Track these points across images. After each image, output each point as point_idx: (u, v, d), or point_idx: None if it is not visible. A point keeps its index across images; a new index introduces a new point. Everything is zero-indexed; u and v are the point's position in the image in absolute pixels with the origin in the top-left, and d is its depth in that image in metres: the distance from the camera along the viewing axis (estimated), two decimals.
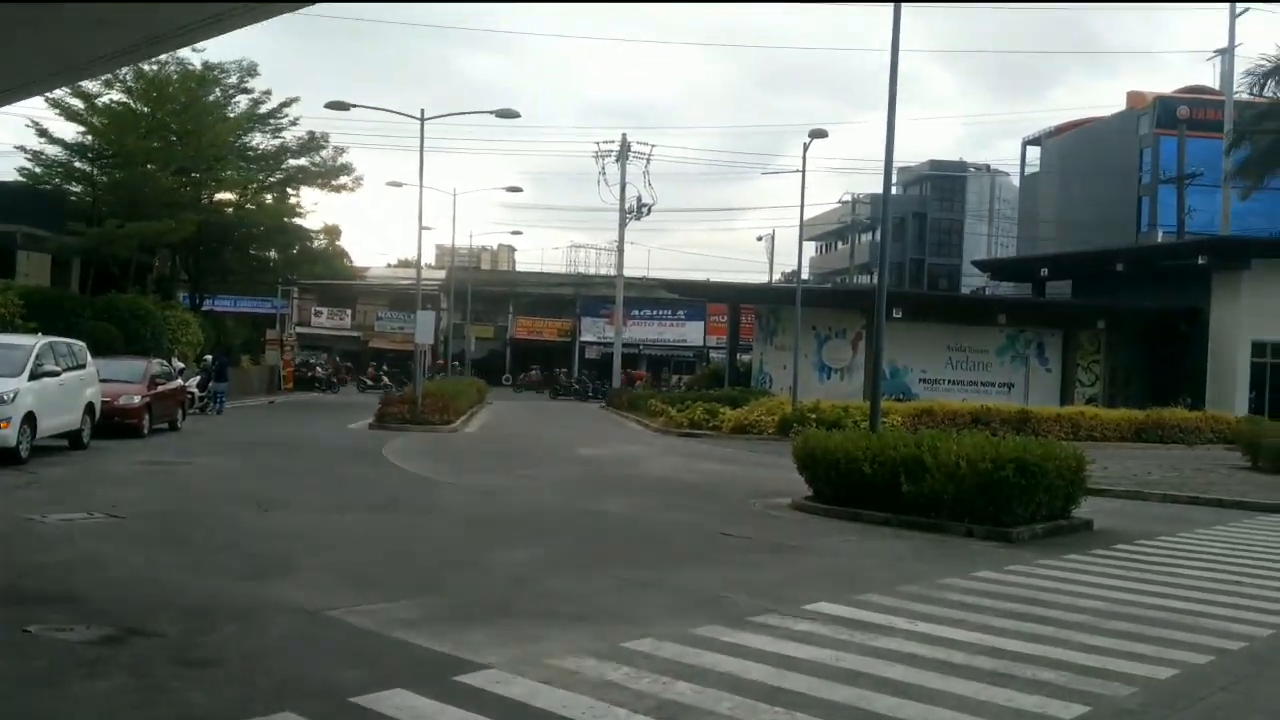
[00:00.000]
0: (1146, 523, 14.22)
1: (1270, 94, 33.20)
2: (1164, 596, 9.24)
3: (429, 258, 71.75)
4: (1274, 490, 18.36)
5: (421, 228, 32.15)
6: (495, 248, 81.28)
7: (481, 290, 62.61)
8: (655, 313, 65.98)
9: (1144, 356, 40.80)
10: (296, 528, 11.68)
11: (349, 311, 67.22)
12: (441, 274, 64.19)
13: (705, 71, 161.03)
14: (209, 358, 32.35)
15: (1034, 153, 73.95)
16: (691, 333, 66.58)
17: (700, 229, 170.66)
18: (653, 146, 53.93)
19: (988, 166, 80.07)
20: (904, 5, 16.45)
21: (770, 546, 11.43)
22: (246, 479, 15.90)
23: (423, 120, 29.43)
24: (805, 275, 69.93)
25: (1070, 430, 28.66)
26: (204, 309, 41.90)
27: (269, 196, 42.32)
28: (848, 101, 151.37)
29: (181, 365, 28.56)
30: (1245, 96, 39.99)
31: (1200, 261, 39.19)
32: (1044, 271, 47.94)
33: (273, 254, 45.95)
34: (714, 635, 7.30)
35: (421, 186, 30.15)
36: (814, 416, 26.34)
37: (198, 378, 30.63)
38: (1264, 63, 32.38)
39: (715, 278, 61.51)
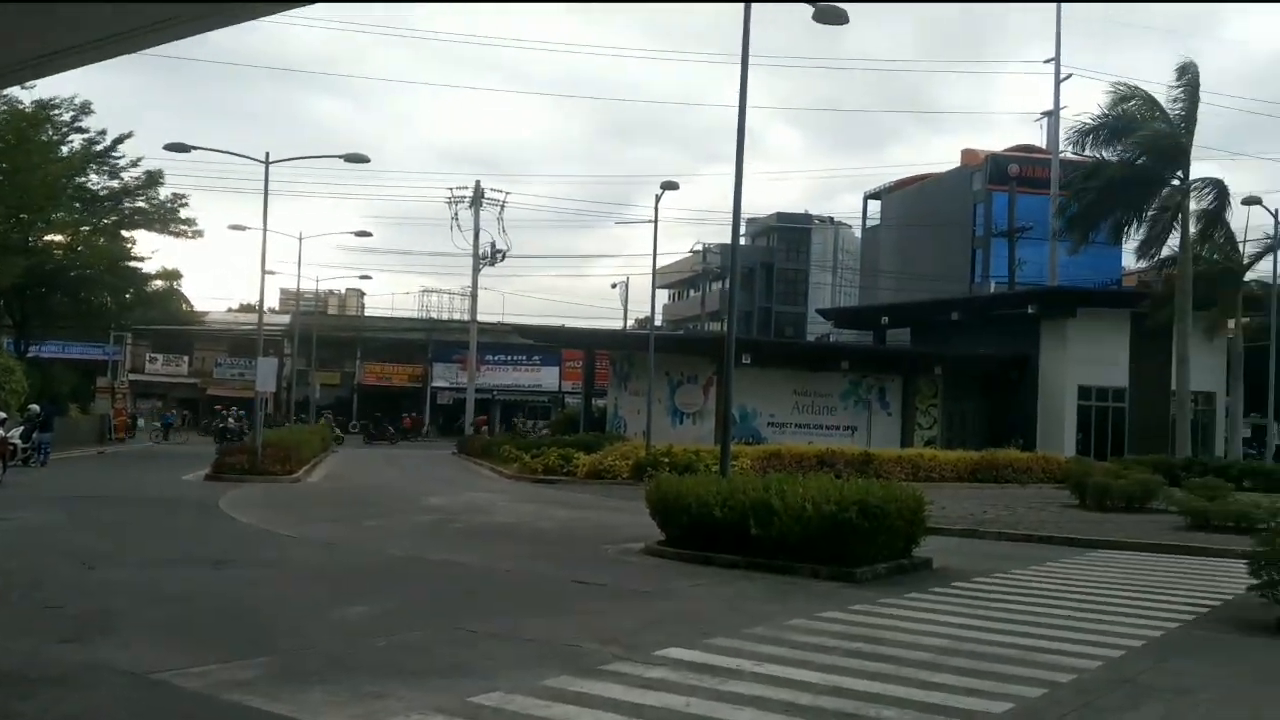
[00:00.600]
0: (983, 560, 14.73)
1: (1092, 153, 35.31)
2: (1000, 632, 9.56)
3: (273, 302, 69.78)
4: (1099, 527, 19.31)
5: (265, 272, 31.18)
6: (344, 292, 79.58)
7: (328, 335, 61.09)
8: (510, 358, 65.59)
9: (979, 400, 42.61)
10: (124, 584, 11.05)
11: (186, 358, 64.59)
12: (286, 319, 62.41)
13: (557, 120, 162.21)
14: (34, 407, 30.55)
15: (875, 206, 77.02)
16: (547, 378, 66.39)
17: (555, 275, 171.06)
18: (506, 193, 54.07)
19: (832, 219, 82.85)
20: (750, 63, 16.93)
21: (623, 593, 11.39)
22: (71, 534, 15.01)
23: (267, 163, 28.77)
24: (658, 322, 70.73)
25: (911, 471, 29.61)
26: (29, 355, 39.61)
27: (102, 239, 40.45)
28: (696, 154, 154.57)
29: (3, 415, 26.86)
30: (1070, 155, 42.51)
31: (1030, 311, 41.35)
32: (885, 320, 49.78)
33: (106, 298, 43.88)
34: (564, 686, 7.19)
35: (265, 230, 29.32)
36: (667, 461, 26.51)
37: (20, 428, 28.86)
38: (1086, 123, 34.45)
39: (570, 323, 61.52)
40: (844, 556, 12.69)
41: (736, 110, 16.81)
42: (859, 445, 34.85)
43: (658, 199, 31.30)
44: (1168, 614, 10.85)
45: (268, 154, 28.81)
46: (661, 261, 40.76)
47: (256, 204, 41.17)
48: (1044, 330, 41.34)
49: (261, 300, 34.54)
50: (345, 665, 7.76)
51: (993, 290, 57.40)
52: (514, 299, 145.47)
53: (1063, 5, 53.00)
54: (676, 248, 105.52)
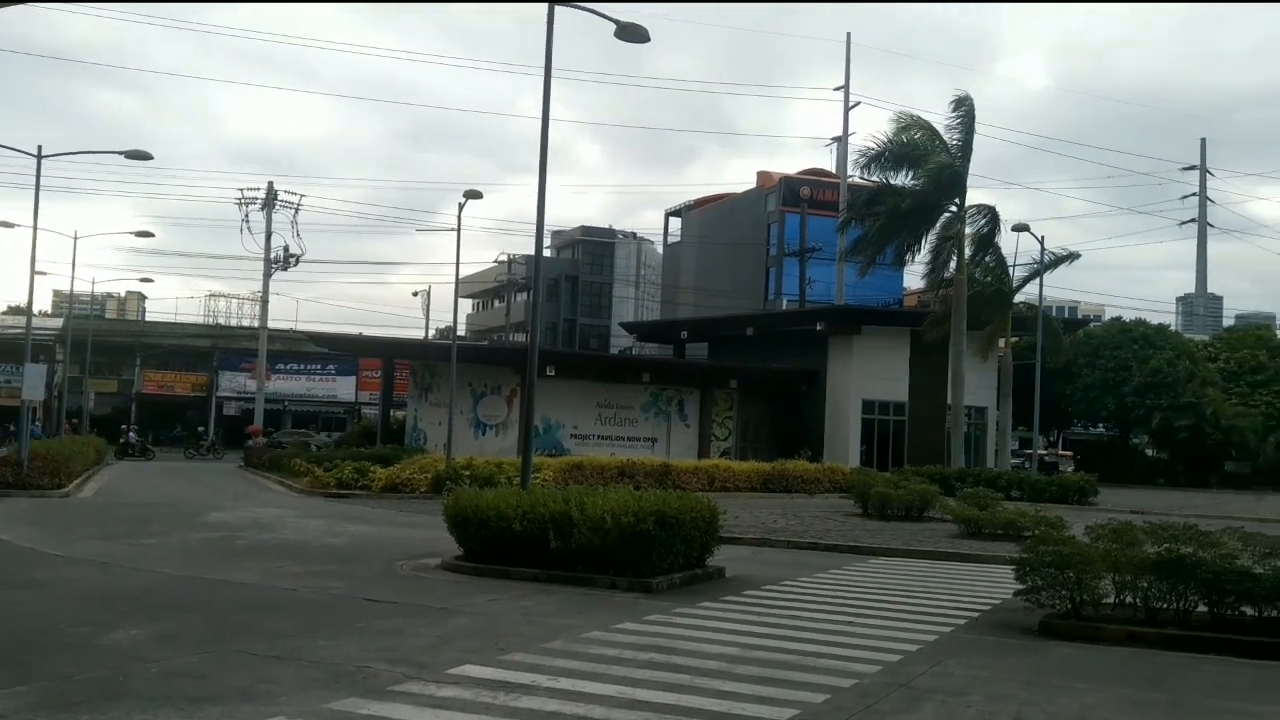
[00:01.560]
0: (773, 568, 15.20)
1: (877, 178, 37.17)
2: (787, 639, 9.86)
3: (45, 304, 65.07)
4: (881, 535, 20.27)
5: (35, 272, 29.03)
6: (123, 295, 75.03)
7: (105, 340, 57.45)
8: (304, 367, 63.34)
9: (772, 413, 44.08)
10: None
11: None
12: (58, 322, 58.27)
13: (355, 124, 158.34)
14: None
15: (676, 223, 78.67)
16: (343, 388, 64.46)
17: (353, 282, 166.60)
18: (301, 196, 52.08)
19: (635, 234, 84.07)
20: (555, 76, 16.97)
21: (417, 610, 11.12)
22: None
23: (40, 157, 26.88)
24: (462, 332, 69.87)
25: (707, 482, 30.31)
26: None
27: None
28: (502, 164, 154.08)
29: None
30: (857, 180, 44.62)
31: (819, 328, 43.13)
32: (684, 334, 50.93)
33: None
34: (352, 709, 6.95)
35: (36, 228, 27.31)
36: (468, 474, 26.16)
37: None
38: (871, 149, 36.22)
39: (369, 332, 60.04)
40: (642, 567, 12.83)
41: (540, 121, 16.80)
42: (659, 456, 35.45)
43: (461, 207, 30.93)
44: (943, 619, 11.46)
45: (40, 147, 26.95)
46: (466, 271, 40.37)
47: (28, 200, 38.24)
48: (832, 346, 43.19)
49: (30, 302, 32.22)
50: (114, 693, 7.25)
51: (785, 307, 59.57)
52: (310, 306, 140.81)
53: (851, 35, 55.54)
54: (481, 257, 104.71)
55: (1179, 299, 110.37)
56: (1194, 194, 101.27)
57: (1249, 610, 10.57)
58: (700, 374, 44.28)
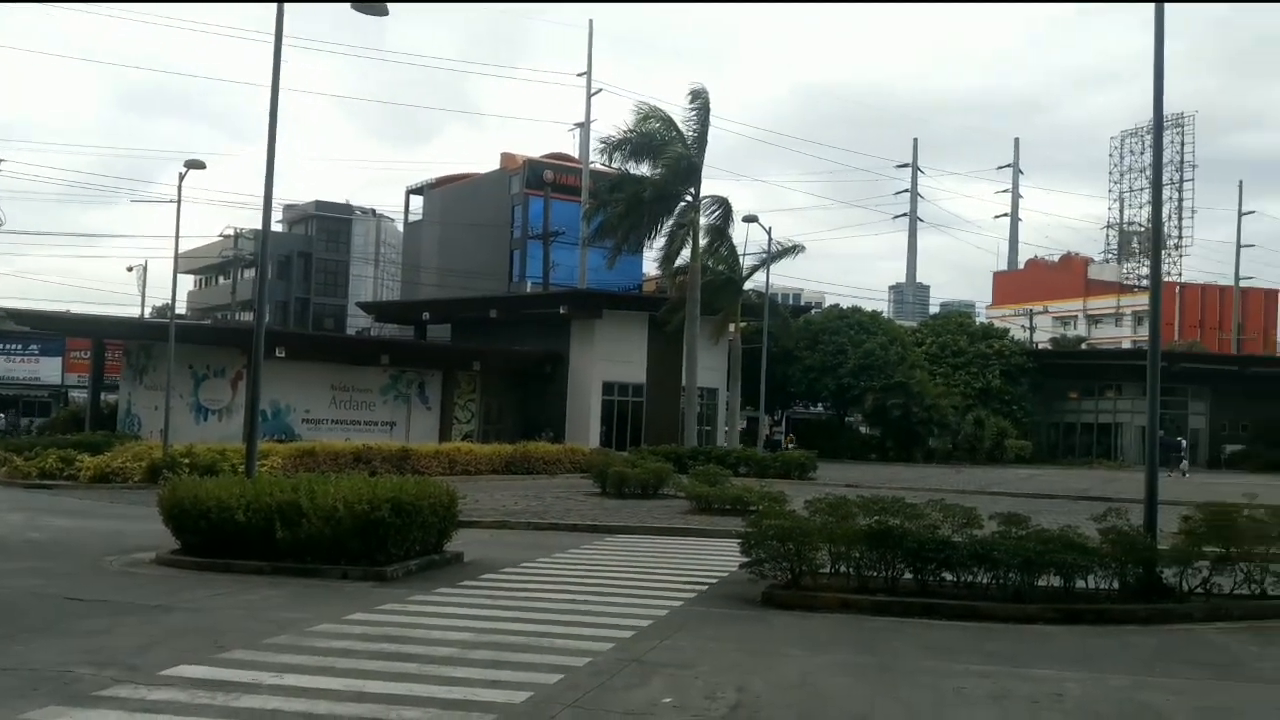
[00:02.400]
0: (512, 551, 15.21)
1: (619, 165, 37.80)
2: (523, 621, 9.89)
3: None
4: (618, 513, 20.70)
5: None
6: None
7: None
8: (2, 346, 57.75)
9: (515, 395, 44.11)
10: None
11: None
12: None
13: (63, 85, 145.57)
14: None
15: (417, 201, 77.04)
16: (47, 369, 59.17)
17: (59, 255, 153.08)
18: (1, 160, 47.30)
19: (374, 211, 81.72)
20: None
21: (127, 608, 10.37)
22: None
23: None
24: (182, 310, 65.73)
25: (448, 466, 29.95)
26: None
27: None
28: (230, 132, 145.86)
29: None
30: (599, 166, 45.19)
31: (562, 311, 43.47)
32: (426, 315, 50.05)
33: None
34: (51, 718, 6.39)
35: None
36: (188, 462, 24.63)
37: None
38: (613, 137, 36.77)
39: (78, 309, 55.36)
40: (376, 555, 12.52)
41: (270, 89, 15.98)
42: (398, 441, 34.69)
43: (181, 177, 28.99)
44: (674, 593, 11.83)
45: None
46: (188, 245, 37.92)
47: None
48: (574, 329, 43.66)
49: None
50: None
51: (529, 290, 59.67)
52: (9, 280, 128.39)
53: (593, 23, 56.21)
54: (206, 231, 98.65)
55: (891, 288, 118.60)
56: (906, 190, 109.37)
57: (949, 576, 11.51)
58: (442, 356, 43.67)
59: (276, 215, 74.11)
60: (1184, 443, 47.99)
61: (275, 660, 8.08)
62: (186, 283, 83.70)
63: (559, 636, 9.20)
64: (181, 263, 34.49)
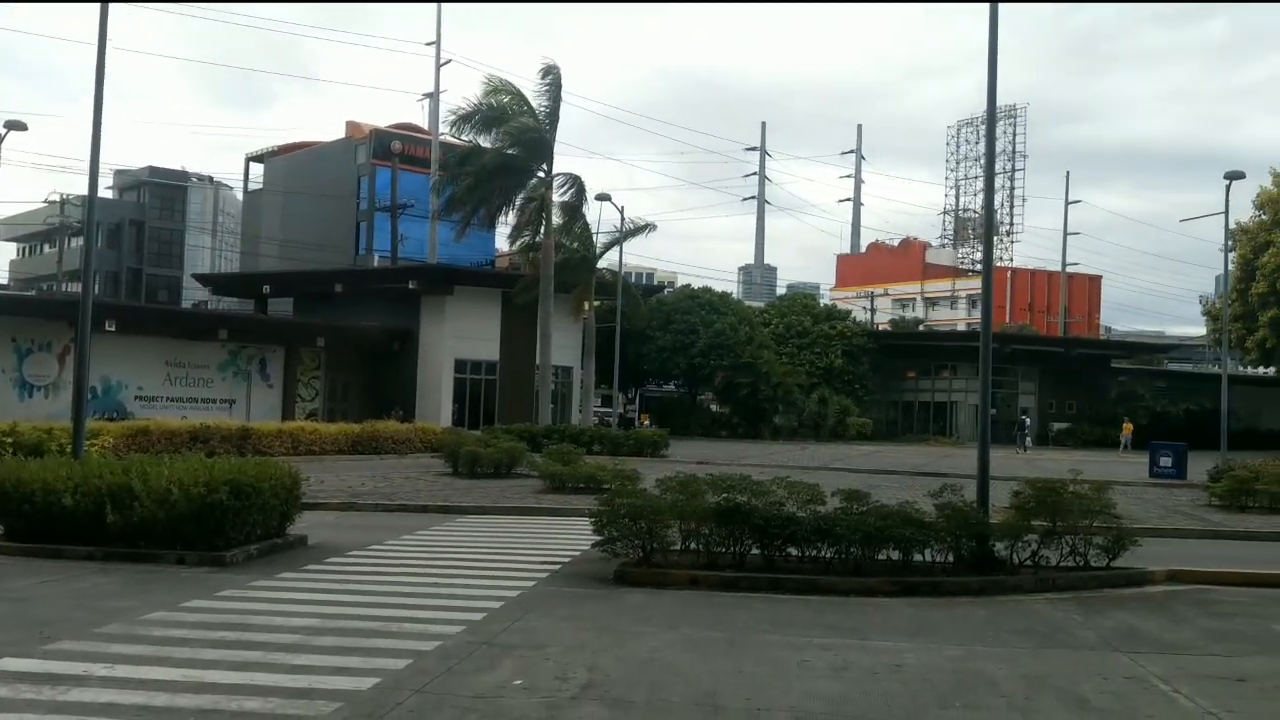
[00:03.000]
0: (359, 533, 14.87)
1: (469, 138, 37.25)
2: (370, 605, 9.68)
3: None
4: (470, 493, 20.50)
5: None
6: None
7: None
8: None
9: (362, 372, 43.12)
10: None
11: None
12: None
13: None
14: None
15: (258, 169, 74.19)
16: None
17: None
18: None
19: (211, 178, 78.43)
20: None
21: None
22: None
23: None
24: (4, 280, 61.79)
25: (291, 446, 29.07)
26: None
27: None
28: (54, 93, 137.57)
29: None
30: (449, 138, 44.42)
31: (411, 286, 42.68)
32: (267, 288, 48.34)
33: None
34: None
35: None
36: (11, 441, 23.17)
37: None
38: (463, 109, 36.20)
39: None
40: (214, 540, 12.05)
41: (97, 47, 15.09)
42: (238, 419, 33.50)
43: (0, 139, 27.21)
44: (527, 573, 11.77)
45: None
46: (10, 211, 35.58)
47: None
48: (424, 305, 42.93)
49: None
50: None
51: (376, 264, 58.35)
52: None
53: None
54: (30, 196, 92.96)
55: (740, 269, 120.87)
56: (755, 173, 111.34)
57: (794, 551, 11.81)
58: (285, 331, 42.28)
59: (106, 181, 70.31)
60: (1028, 421, 50.69)
61: (107, 651, 7.70)
62: (9, 251, 78.72)
63: (407, 621, 9.04)
64: (3, 230, 32.38)
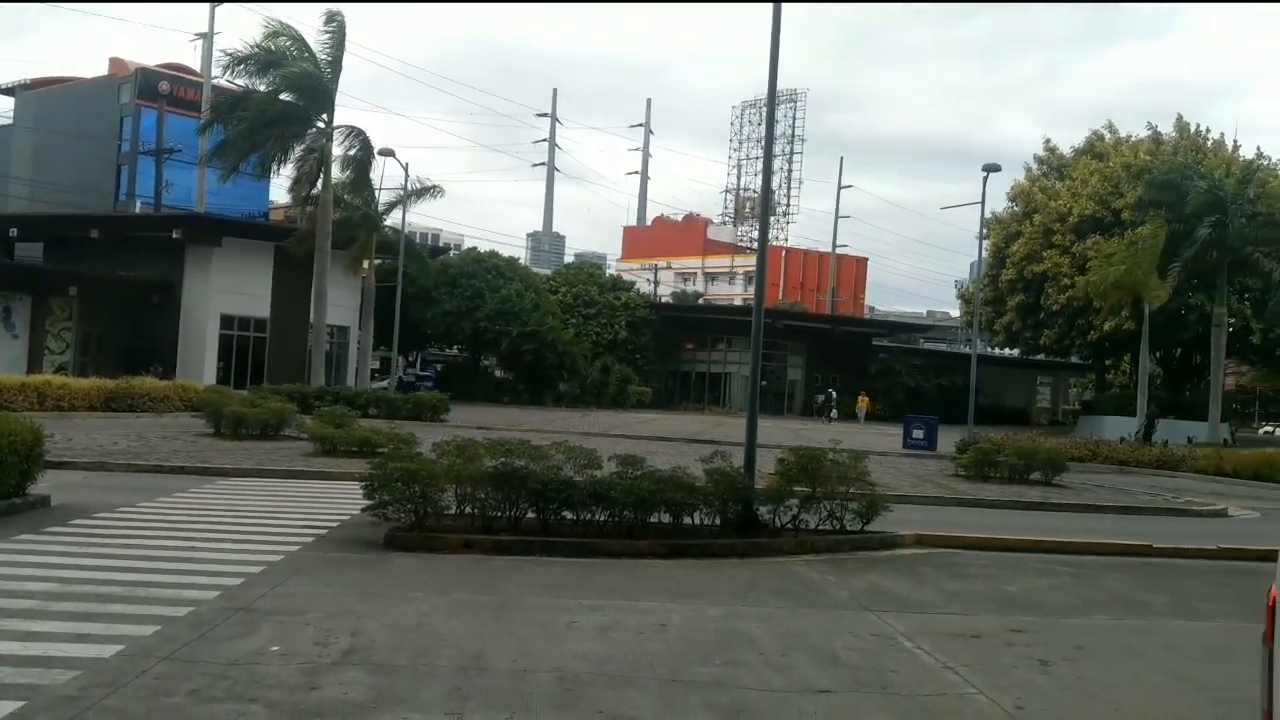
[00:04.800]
0: (109, 494, 13.94)
1: (244, 82, 35.38)
2: (119, 570, 9.10)
3: None
4: (233, 455, 19.57)
5: None
6: None
7: None
8: None
9: (119, 325, 40.44)
10: None
11: None
12: None
13: None
14: None
15: (8, 103, 67.98)
16: None
17: None
18: None
19: None
20: None
21: None
22: None
23: None
24: None
25: (37, 400, 27.01)
26: None
27: None
28: None
29: None
30: (224, 82, 41.99)
31: (175, 235, 40.31)
32: (14, 232, 44.61)
33: None
34: None
35: None
36: None
37: None
38: (239, 51, 34.29)
39: None
40: None
41: None
42: None
43: None
44: (291, 538, 11.35)
45: None
46: None
47: None
48: (189, 256, 40.66)
49: None
50: None
51: (138, 210, 54.73)
52: None
53: None
54: None
55: (529, 235, 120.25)
56: (545, 140, 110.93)
57: (570, 515, 11.89)
58: (33, 278, 39.03)
59: None
60: (834, 394, 53.15)
61: None
62: None
63: (158, 586, 8.55)
64: None
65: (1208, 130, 54.72)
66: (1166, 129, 55.02)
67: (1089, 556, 13.20)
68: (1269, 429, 69.81)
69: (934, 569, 11.76)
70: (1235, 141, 54.17)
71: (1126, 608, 10.29)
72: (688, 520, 12.20)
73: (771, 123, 14.97)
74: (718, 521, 12.39)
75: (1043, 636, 8.51)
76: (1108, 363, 62.22)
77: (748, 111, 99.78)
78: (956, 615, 9.34)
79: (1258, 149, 55.68)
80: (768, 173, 15.48)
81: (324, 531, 11.99)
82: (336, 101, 35.92)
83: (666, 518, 12.05)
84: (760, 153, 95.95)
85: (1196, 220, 41.10)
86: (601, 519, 11.91)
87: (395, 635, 7.51)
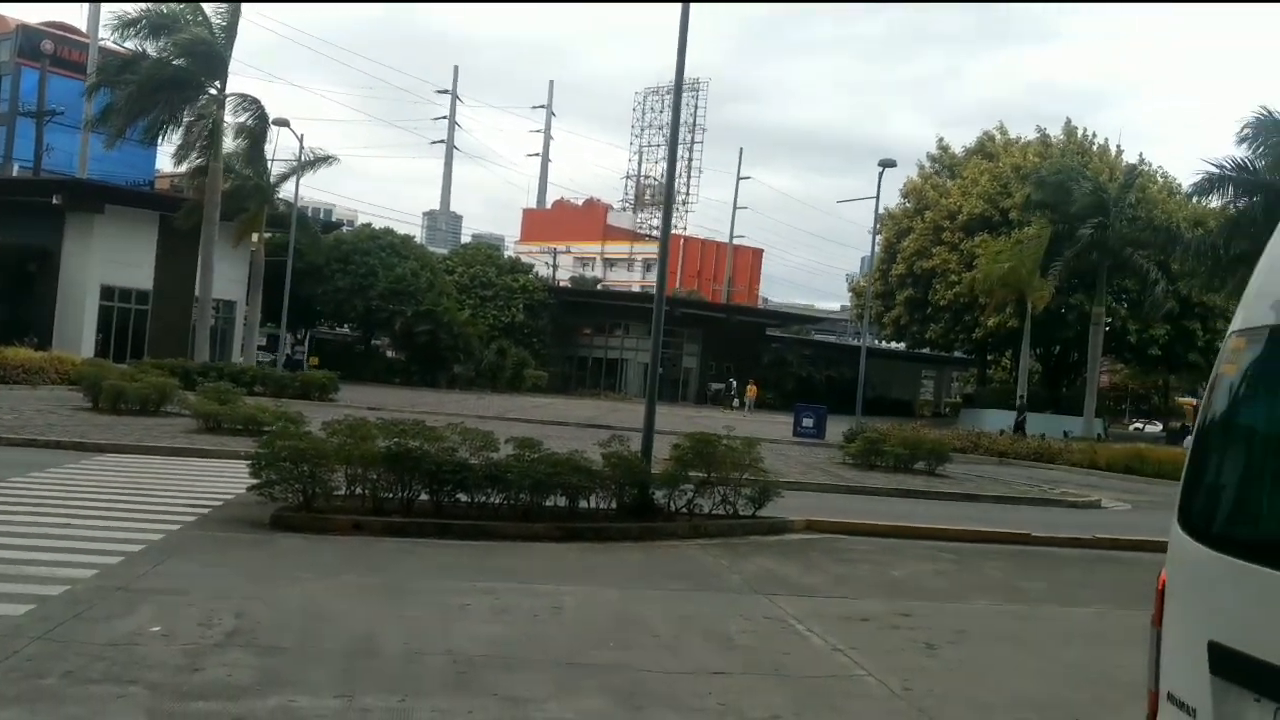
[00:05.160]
0: None
1: (133, 45, 34.02)
2: None
3: None
4: (112, 430, 18.84)
5: None
6: None
7: None
8: None
9: None
10: None
11: None
12: None
13: None
14: None
15: None
16: None
17: None
18: None
19: None
20: None
21: None
22: None
23: None
24: None
25: None
26: None
27: None
28: None
29: None
30: (111, 44, 40.26)
31: (55, 201, 38.62)
32: None
33: None
34: None
35: None
36: None
37: None
38: (128, 13, 32.95)
39: None
40: None
41: None
42: None
43: None
44: (173, 517, 10.98)
45: None
46: None
47: None
48: (70, 223, 39.01)
49: None
50: None
51: (16, 174, 52.30)
52: None
53: None
54: None
55: (425, 214, 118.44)
56: (445, 117, 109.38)
57: (464, 497, 11.76)
58: None
59: None
60: (734, 383, 53.94)
61: None
62: None
63: (30, 564, 8.18)
64: None
65: (1094, 135, 56.84)
66: (1055, 132, 56.94)
67: (970, 544, 13.59)
68: (1139, 425, 73.00)
69: (823, 554, 11.97)
70: (1119, 146, 56.44)
71: (1006, 594, 10.63)
72: (584, 504, 12.18)
73: (678, 115, 14.99)
74: (614, 505, 12.41)
75: (928, 620, 8.73)
76: (990, 358, 64.20)
77: (650, 98, 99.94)
78: (845, 599, 9.52)
79: (1140, 155, 58.04)
80: (672, 163, 15.53)
81: (207, 511, 11.63)
82: (231, 70, 34.86)
83: (563, 501, 12.01)
84: (663, 140, 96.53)
85: (1080, 221, 42.62)
86: (497, 502, 11.82)
87: (282, 617, 7.32)
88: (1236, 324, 3.38)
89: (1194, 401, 78.84)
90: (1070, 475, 27.39)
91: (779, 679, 6.71)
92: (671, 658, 7.01)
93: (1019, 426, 40.66)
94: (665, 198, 15.65)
